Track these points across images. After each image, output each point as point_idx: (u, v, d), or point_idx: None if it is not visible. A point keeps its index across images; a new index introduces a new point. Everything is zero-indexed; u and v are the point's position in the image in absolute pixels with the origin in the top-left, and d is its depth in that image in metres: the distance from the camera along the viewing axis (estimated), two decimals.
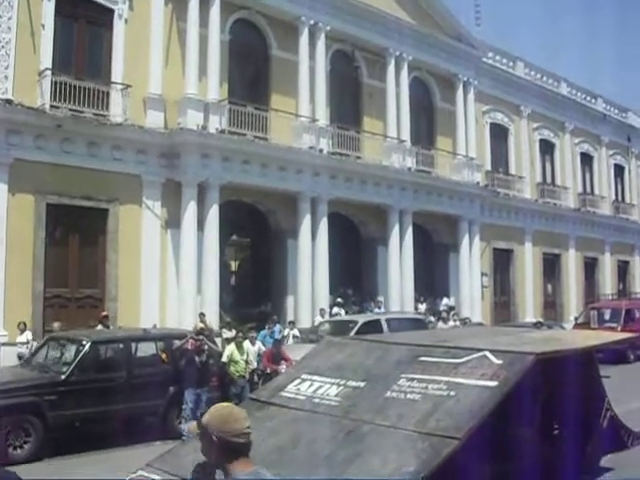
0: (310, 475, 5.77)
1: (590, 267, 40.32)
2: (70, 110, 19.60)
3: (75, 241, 20.45)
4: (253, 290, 26.16)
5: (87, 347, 12.60)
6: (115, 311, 20.14)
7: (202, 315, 19.55)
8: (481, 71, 32.35)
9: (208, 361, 13.19)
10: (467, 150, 30.76)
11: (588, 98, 41.13)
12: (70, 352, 12.90)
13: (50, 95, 19.34)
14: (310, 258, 24.25)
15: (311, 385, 7.55)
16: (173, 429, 12.65)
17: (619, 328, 23.85)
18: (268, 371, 14.70)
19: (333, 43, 26.72)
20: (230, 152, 22.42)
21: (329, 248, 24.73)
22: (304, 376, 7.97)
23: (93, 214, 20.51)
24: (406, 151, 27.94)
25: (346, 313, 23.96)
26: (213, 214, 21.88)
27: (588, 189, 40.71)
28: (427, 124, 31.42)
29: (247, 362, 15.03)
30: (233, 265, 27.25)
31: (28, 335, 17.36)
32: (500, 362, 7.00)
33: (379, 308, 25.44)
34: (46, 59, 19.71)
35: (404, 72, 28.49)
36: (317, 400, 7.12)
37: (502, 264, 34.04)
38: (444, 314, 25.95)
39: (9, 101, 18.93)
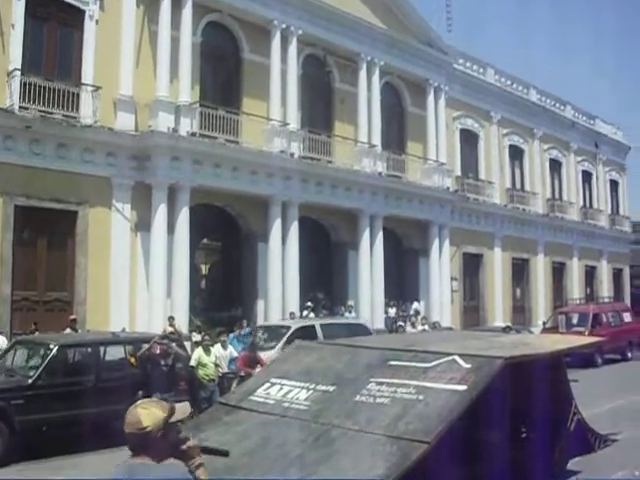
0: (281, 477, 5.77)
1: (558, 272, 40.72)
2: (39, 111, 19.42)
3: (43, 243, 20.22)
4: (223, 294, 26.09)
5: (55, 351, 12.46)
6: (84, 314, 19.95)
7: (171, 319, 19.44)
8: (452, 77, 32.55)
9: (174, 365, 13.08)
10: (437, 155, 30.91)
11: (557, 105, 41.55)
12: (37, 356, 12.76)
13: (19, 96, 19.13)
14: (280, 262, 24.22)
15: (281, 389, 7.55)
16: None
17: (587, 332, 24.09)
18: (242, 374, 14.62)
19: (305, 47, 26.73)
20: (201, 155, 22.33)
21: (300, 252, 24.73)
22: (273, 380, 7.96)
23: (62, 216, 20.28)
24: (377, 156, 28.02)
25: (316, 317, 23.96)
26: (183, 217, 21.78)
27: (557, 195, 41.09)
28: (398, 129, 31.54)
29: (217, 365, 14.96)
30: (203, 268, 27.20)
31: (3, 340, 17.02)
32: (469, 366, 7.04)
33: (349, 312, 25.49)
34: (15, 59, 19.48)
35: (375, 77, 28.59)
36: (287, 404, 7.12)
37: (472, 269, 34.25)
38: (412, 318, 26.12)
39: None
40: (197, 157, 22.24)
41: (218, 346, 15.43)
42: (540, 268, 38.43)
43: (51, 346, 12.61)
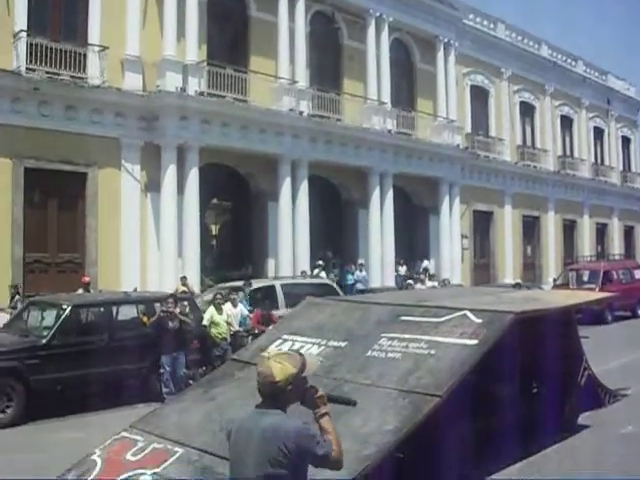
0: None
1: (569, 229, 40.63)
2: (47, 73, 19.33)
3: (54, 205, 20.25)
4: (234, 253, 26.16)
5: (68, 311, 12.53)
6: (95, 275, 20.04)
7: (184, 278, 19.57)
8: (462, 33, 32.15)
9: (181, 326, 13.16)
10: (447, 112, 30.68)
11: (568, 61, 41.07)
12: (51, 316, 12.82)
13: (26, 57, 19.01)
14: (291, 221, 24.22)
15: (293, 345, 7.60)
16: (155, 391, 12.68)
17: (597, 289, 24.07)
18: (256, 332, 14.70)
19: (313, 4, 26.40)
20: (209, 114, 22.23)
21: (310, 211, 24.72)
22: (285, 336, 8.02)
23: (72, 178, 20.28)
24: (386, 113, 27.82)
25: (327, 275, 24.04)
26: (193, 177, 21.76)
27: (568, 152, 40.85)
28: (407, 86, 31.27)
29: (228, 324, 15.04)
30: (214, 228, 27.22)
31: (19, 300, 17.08)
32: (480, 321, 7.07)
33: (360, 271, 25.55)
34: (21, 21, 19.29)
35: (384, 33, 28.27)
36: None
37: (482, 226, 34.19)
38: (421, 276, 26.16)
39: None
40: (205, 116, 22.14)
41: (228, 304, 15.49)
42: (551, 225, 38.35)
43: (64, 306, 12.68)
